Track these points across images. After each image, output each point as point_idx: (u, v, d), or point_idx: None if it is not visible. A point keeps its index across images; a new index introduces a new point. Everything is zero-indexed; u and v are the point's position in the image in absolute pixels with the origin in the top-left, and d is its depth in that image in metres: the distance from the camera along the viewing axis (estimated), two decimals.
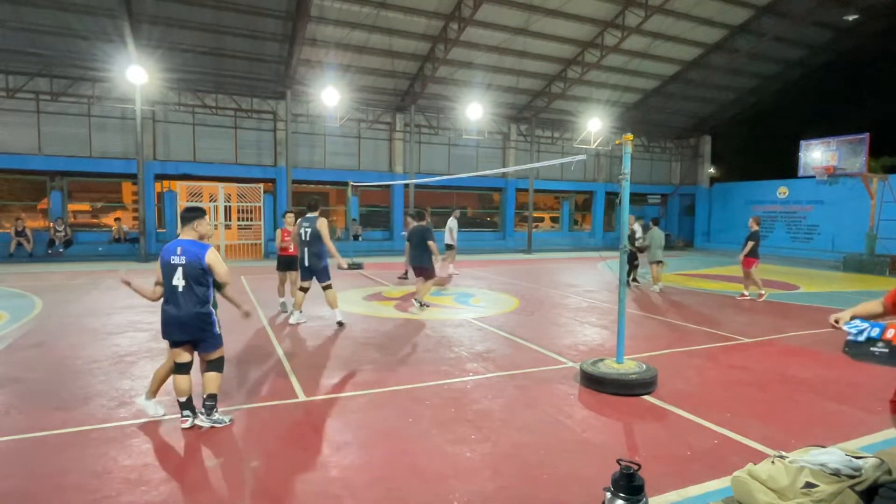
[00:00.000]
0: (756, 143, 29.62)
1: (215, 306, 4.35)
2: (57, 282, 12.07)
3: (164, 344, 6.63)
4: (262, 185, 18.88)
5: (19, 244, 16.34)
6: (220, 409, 4.32)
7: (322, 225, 7.60)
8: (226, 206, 18.32)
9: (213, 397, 4.26)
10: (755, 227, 10.87)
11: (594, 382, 5.18)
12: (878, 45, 22.63)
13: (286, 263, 8.77)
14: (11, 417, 4.38)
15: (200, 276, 4.13)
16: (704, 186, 28.22)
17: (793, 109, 26.57)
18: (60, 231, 17.00)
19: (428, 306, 9.16)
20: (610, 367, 5.32)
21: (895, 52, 22.96)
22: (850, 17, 20.02)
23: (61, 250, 16.86)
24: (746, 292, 11.00)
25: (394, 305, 9.72)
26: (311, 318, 8.33)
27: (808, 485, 2.67)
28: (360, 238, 20.73)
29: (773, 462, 2.87)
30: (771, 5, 18.64)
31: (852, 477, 2.67)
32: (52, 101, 16.81)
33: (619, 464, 2.66)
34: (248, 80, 18.48)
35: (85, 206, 21.10)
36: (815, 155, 17.06)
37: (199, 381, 4.33)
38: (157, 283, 4.28)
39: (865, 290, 12.10)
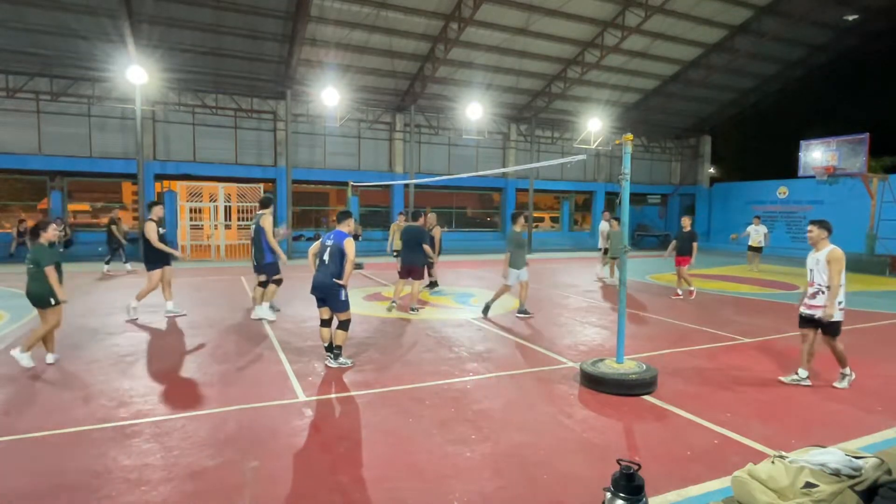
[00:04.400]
0: (756, 143, 29.64)
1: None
2: None
3: (164, 343, 6.67)
4: (262, 185, 18.88)
5: (21, 244, 16.33)
6: (341, 357, 5.85)
7: (265, 221, 7.96)
8: (226, 206, 18.32)
9: (339, 348, 5.85)
10: (689, 227, 11.04)
11: (594, 382, 5.18)
12: (878, 45, 22.64)
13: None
14: (11, 417, 4.38)
15: (339, 255, 5.74)
16: (704, 186, 28.24)
17: (793, 109, 26.58)
18: (60, 231, 16.98)
19: (421, 308, 9.16)
20: (610, 367, 5.32)
21: (895, 52, 22.96)
22: (850, 17, 20.04)
23: (61, 250, 16.83)
24: (680, 291, 11.06)
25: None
26: (310, 318, 8.31)
27: (809, 485, 2.66)
28: (360, 238, 20.70)
29: (773, 462, 2.87)
30: (771, 5, 18.65)
31: (852, 477, 2.67)
32: (52, 101, 16.82)
33: (619, 464, 2.66)
34: (248, 80, 18.49)
35: (85, 206, 21.09)
36: (815, 155, 17.04)
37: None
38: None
39: (865, 290, 12.05)
